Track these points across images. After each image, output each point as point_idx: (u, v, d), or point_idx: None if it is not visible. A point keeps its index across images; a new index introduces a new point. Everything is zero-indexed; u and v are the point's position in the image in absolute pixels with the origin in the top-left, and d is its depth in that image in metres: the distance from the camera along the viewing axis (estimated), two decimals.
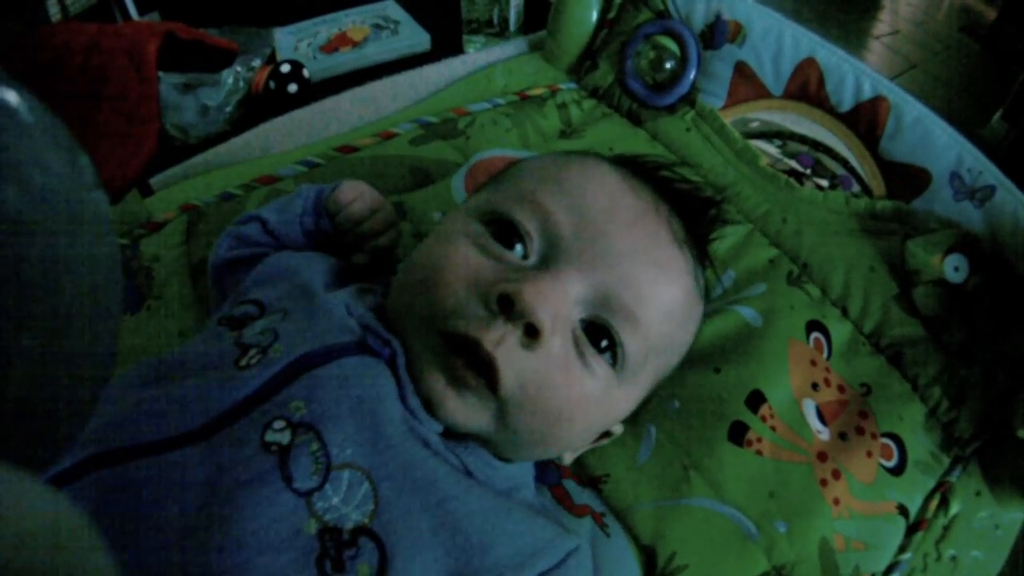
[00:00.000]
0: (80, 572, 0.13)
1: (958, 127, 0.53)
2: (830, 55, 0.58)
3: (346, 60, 0.90)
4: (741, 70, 0.61)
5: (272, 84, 0.82)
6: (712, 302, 0.50)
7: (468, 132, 0.62)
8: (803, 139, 0.60)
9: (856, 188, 0.57)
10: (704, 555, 0.40)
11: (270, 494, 0.26)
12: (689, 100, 0.63)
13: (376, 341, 0.33)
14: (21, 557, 0.11)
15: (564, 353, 0.32)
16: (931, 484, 0.45)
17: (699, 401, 0.45)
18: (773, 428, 0.44)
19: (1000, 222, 0.49)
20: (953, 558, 0.44)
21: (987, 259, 0.49)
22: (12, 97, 0.14)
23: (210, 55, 0.80)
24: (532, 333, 0.31)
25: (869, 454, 0.44)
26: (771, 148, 0.62)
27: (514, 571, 0.29)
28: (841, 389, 0.47)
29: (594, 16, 0.68)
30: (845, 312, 0.51)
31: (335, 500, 0.27)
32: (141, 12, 0.91)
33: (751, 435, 0.43)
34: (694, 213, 0.42)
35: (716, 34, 0.62)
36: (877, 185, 0.57)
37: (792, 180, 0.56)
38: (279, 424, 0.28)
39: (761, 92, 0.62)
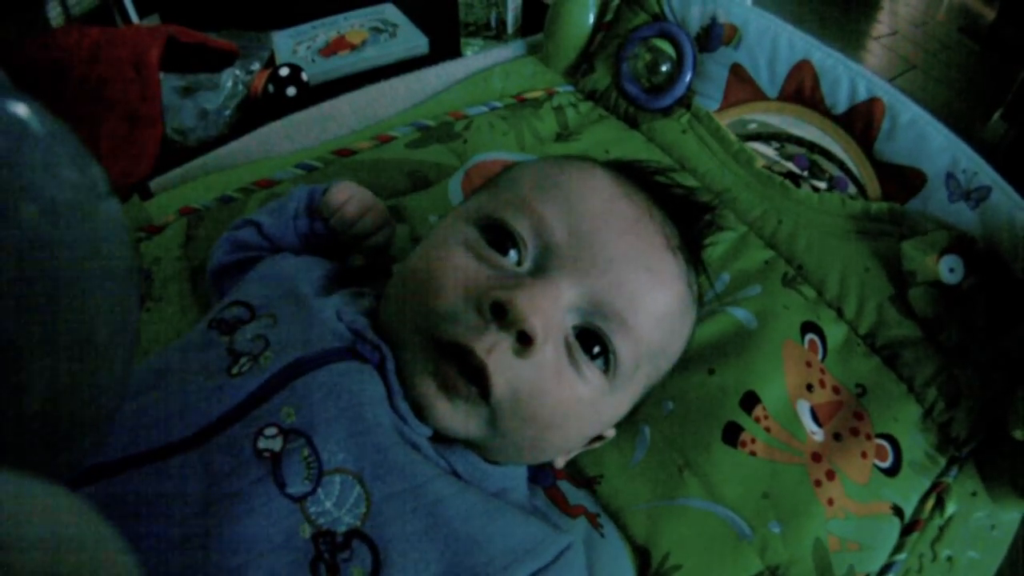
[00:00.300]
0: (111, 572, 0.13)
1: (957, 127, 0.53)
2: (825, 57, 0.58)
3: (344, 63, 0.90)
4: (736, 72, 0.62)
5: (271, 87, 0.82)
6: (706, 304, 0.50)
7: (465, 135, 0.62)
8: (800, 141, 0.61)
9: (852, 190, 0.58)
10: (698, 555, 0.40)
11: (264, 500, 0.27)
12: (685, 102, 0.63)
13: (365, 347, 0.33)
14: (56, 564, 0.11)
15: (557, 360, 0.33)
16: (927, 485, 0.45)
17: (693, 402, 0.45)
18: (767, 429, 0.44)
19: (995, 223, 0.50)
20: (949, 558, 0.44)
21: (982, 260, 0.49)
22: (22, 111, 0.14)
23: (211, 56, 0.81)
24: (525, 341, 0.31)
25: (863, 455, 0.44)
26: (769, 150, 0.62)
27: (504, 570, 0.29)
28: (836, 390, 0.47)
29: (591, 19, 0.69)
30: (840, 313, 0.51)
31: (328, 504, 0.28)
32: (141, 15, 0.92)
33: (745, 436, 0.43)
34: (688, 219, 0.42)
35: (711, 37, 0.62)
36: (872, 187, 0.57)
37: (788, 182, 0.57)
38: (271, 431, 0.29)
39: (756, 94, 0.62)
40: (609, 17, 0.68)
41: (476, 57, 0.73)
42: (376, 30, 0.96)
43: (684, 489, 0.42)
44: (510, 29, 0.91)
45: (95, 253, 0.15)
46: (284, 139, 0.63)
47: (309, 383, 0.30)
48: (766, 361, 0.46)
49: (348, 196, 0.44)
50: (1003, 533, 0.46)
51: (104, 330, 0.15)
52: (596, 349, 0.34)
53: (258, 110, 0.81)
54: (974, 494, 0.46)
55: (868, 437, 0.45)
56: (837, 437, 0.45)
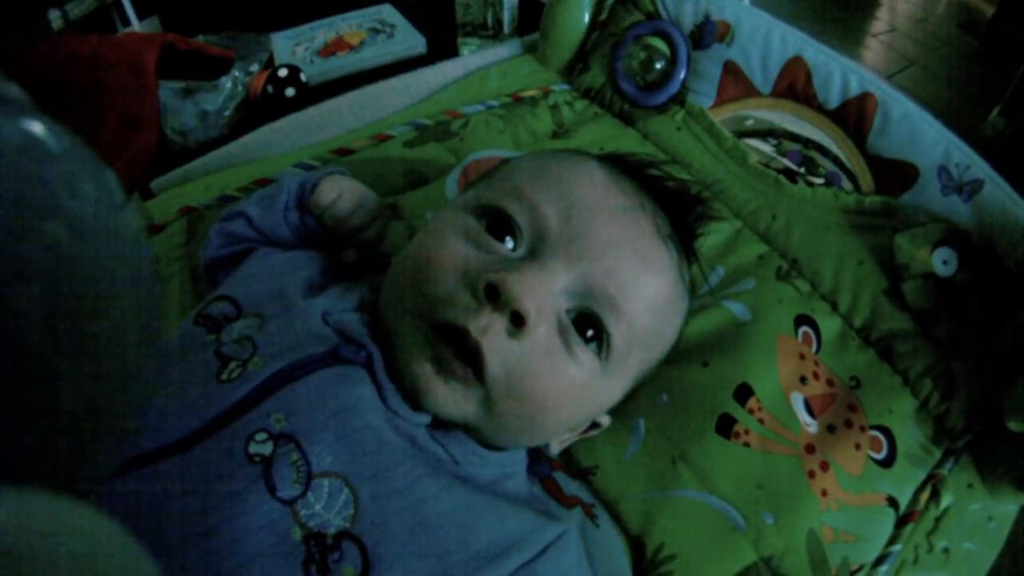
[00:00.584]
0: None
1: (956, 124, 0.53)
2: (817, 53, 0.58)
3: (343, 64, 0.91)
4: (730, 69, 0.62)
5: (270, 88, 0.83)
6: (700, 298, 0.50)
7: (462, 134, 0.62)
8: (795, 137, 0.61)
9: (846, 184, 0.58)
10: (692, 546, 0.40)
11: (256, 503, 0.28)
12: (679, 100, 0.63)
13: (349, 349, 0.33)
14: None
15: (549, 342, 0.33)
16: (922, 476, 0.46)
17: (687, 394, 0.45)
18: (761, 420, 0.44)
19: (988, 215, 0.50)
20: (945, 550, 0.44)
21: (976, 252, 0.49)
22: (39, 128, 0.14)
23: (207, 64, 0.82)
24: (518, 322, 0.32)
25: (857, 446, 0.45)
26: (766, 147, 0.62)
27: (492, 563, 0.30)
28: (830, 383, 0.48)
29: (586, 18, 0.69)
30: (835, 306, 0.51)
31: (317, 507, 0.28)
32: (140, 18, 0.93)
33: (739, 427, 0.44)
34: (680, 210, 0.42)
35: (705, 34, 0.62)
36: (866, 181, 0.57)
37: (782, 177, 0.57)
38: (261, 436, 0.29)
39: (750, 91, 0.62)
40: (604, 16, 0.68)
41: (473, 57, 0.73)
42: (374, 31, 0.97)
43: (678, 480, 0.42)
44: (506, 29, 0.92)
45: (119, 264, 0.15)
46: (283, 139, 0.64)
47: (297, 390, 0.31)
48: (760, 354, 0.47)
49: (338, 192, 0.44)
50: (1000, 525, 0.46)
51: (132, 338, 0.16)
52: (589, 332, 0.34)
53: (257, 111, 0.82)
54: (970, 486, 0.46)
55: (862, 429, 0.46)
56: (831, 429, 0.45)
